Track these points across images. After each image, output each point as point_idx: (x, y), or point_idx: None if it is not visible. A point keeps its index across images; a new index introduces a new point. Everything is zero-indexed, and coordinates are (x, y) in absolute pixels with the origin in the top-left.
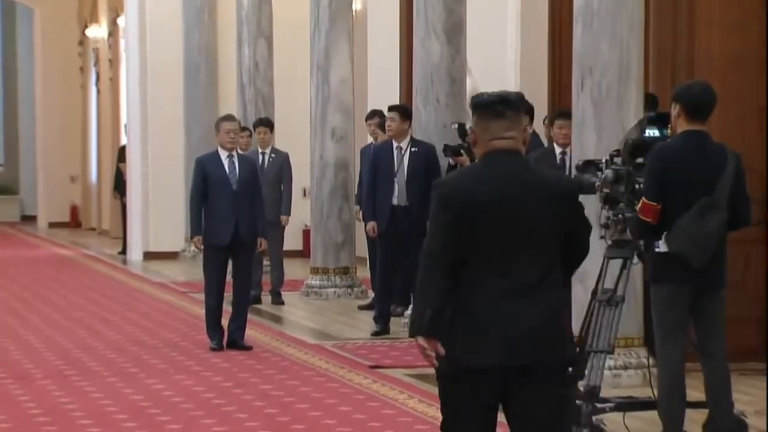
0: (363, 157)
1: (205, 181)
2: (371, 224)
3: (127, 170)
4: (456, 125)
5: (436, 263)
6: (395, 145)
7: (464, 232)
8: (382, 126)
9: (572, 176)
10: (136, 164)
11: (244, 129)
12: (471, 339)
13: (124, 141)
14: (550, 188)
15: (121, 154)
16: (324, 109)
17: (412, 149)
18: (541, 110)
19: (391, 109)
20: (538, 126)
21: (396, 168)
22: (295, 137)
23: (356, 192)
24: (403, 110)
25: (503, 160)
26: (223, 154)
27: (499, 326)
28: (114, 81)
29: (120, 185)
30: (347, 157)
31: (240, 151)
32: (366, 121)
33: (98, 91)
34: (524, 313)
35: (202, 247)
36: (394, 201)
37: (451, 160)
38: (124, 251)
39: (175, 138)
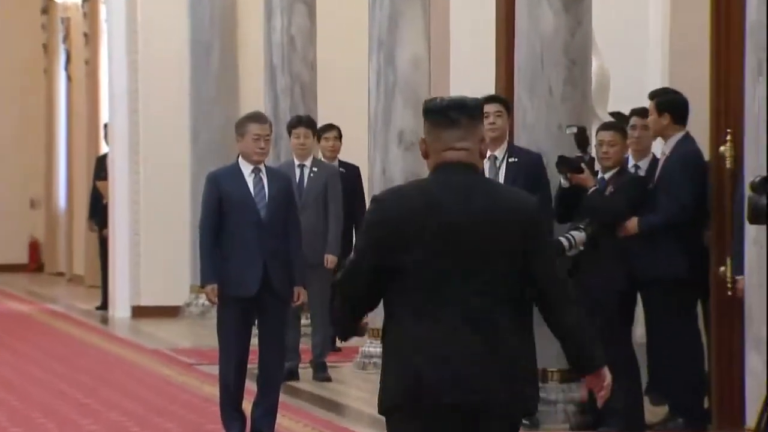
0: None
1: (221, 207)
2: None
3: (108, 190)
4: (574, 129)
5: (352, 297)
6: (488, 154)
7: (399, 258)
8: None
9: (747, 197)
10: (121, 182)
11: (309, 125)
12: (405, 375)
13: (105, 149)
14: (506, 208)
15: (100, 167)
16: (388, 104)
17: (510, 159)
18: (700, 104)
19: (491, 99)
20: (697, 131)
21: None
22: (346, 143)
23: None
24: (503, 102)
25: (454, 174)
26: (246, 168)
27: (440, 363)
28: (91, 64)
29: (98, 212)
30: (421, 171)
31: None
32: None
33: (69, 79)
34: (467, 348)
35: (217, 299)
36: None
37: (563, 179)
38: (104, 306)
39: (177, 145)
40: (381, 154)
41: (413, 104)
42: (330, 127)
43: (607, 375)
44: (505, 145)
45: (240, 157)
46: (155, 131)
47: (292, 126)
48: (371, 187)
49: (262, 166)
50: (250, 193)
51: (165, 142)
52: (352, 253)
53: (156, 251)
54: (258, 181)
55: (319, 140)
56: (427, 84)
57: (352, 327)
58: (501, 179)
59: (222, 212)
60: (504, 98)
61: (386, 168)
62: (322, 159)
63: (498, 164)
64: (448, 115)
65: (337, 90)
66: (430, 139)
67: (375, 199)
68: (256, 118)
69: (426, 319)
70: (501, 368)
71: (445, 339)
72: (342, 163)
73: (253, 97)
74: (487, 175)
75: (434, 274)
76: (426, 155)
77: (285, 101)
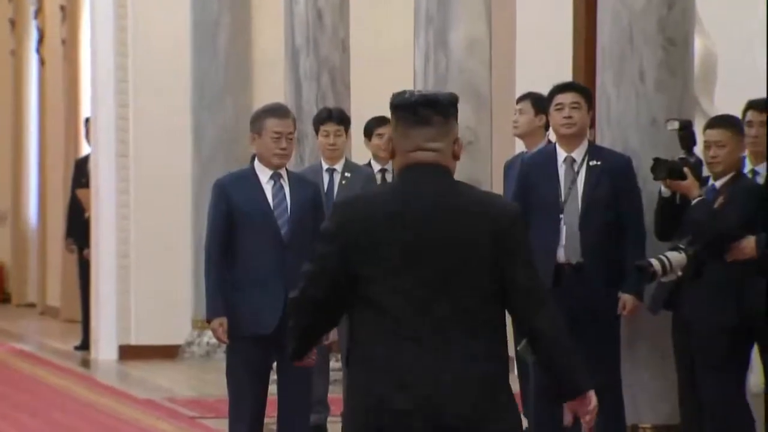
0: (507, 175)
1: (232, 223)
2: None
3: (90, 201)
4: (676, 124)
5: (303, 313)
6: (562, 155)
7: (362, 272)
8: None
9: None
10: (107, 191)
11: (340, 120)
12: (368, 403)
13: (86, 150)
14: (480, 218)
15: (81, 172)
16: None
17: (591, 163)
18: None
19: (566, 87)
20: None
21: (563, 196)
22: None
23: None
24: (581, 91)
25: (422, 179)
26: (264, 174)
27: (405, 390)
28: (70, 45)
29: (78, 228)
30: (481, 177)
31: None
32: (518, 103)
33: (41, 62)
34: (436, 375)
35: (226, 337)
36: (560, 256)
37: (663, 186)
38: (85, 345)
39: (176, 145)
40: None
41: (470, 95)
42: (383, 121)
43: (593, 398)
44: (584, 145)
45: (255, 159)
46: (149, 128)
47: (319, 121)
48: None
49: (283, 172)
50: (269, 205)
51: (161, 141)
52: (308, 264)
53: (150, 277)
54: (278, 190)
55: (370, 137)
56: (486, 71)
57: (307, 346)
58: (579, 187)
59: (233, 229)
60: (583, 86)
61: None
62: (373, 161)
63: (576, 168)
64: (417, 111)
65: (374, 77)
66: (397, 137)
67: (336, 205)
68: (276, 111)
69: (391, 343)
70: (474, 395)
71: (411, 364)
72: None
73: (271, 86)
74: (561, 181)
75: (398, 293)
76: (392, 155)
77: (310, 90)
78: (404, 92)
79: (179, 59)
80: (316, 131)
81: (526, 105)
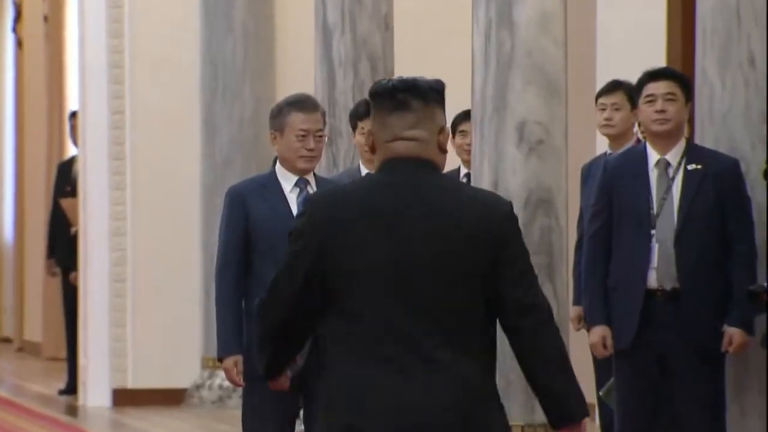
0: (586, 182)
1: (249, 240)
2: (599, 332)
3: (79, 214)
4: None
5: (274, 318)
6: (654, 157)
7: (329, 274)
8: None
9: None
10: (98, 200)
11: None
12: (333, 429)
13: (73, 151)
14: (469, 212)
15: (64, 177)
16: (502, 82)
17: (690, 166)
18: None
19: (659, 75)
20: None
21: (655, 207)
22: None
23: (574, 257)
24: (678, 79)
25: (402, 173)
26: (288, 181)
27: (382, 410)
28: (53, 22)
29: (62, 246)
30: (552, 183)
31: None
32: (604, 94)
33: (19, 44)
34: (419, 390)
35: (242, 379)
36: (652, 280)
37: None
38: (71, 389)
39: (183, 145)
40: (491, 156)
41: (540, 83)
42: (467, 115)
43: (586, 428)
44: (681, 145)
45: (277, 163)
46: (149, 124)
47: (357, 116)
48: None
49: (310, 178)
50: (293, 216)
51: (164, 140)
52: (278, 265)
53: (150, 306)
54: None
55: (454, 135)
56: (561, 52)
57: (279, 359)
58: (675, 197)
59: (249, 249)
60: (679, 74)
61: (500, 176)
62: (462, 165)
63: (671, 173)
64: (395, 97)
65: (424, 61)
66: (376, 128)
67: (308, 201)
68: (301, 104)
69: (364, 361)
70: (459, 424)
71: (385, 388)
72: None
73: (298, 73)
74: (653, 190)
75: (375, 303)
76: (373, 150)
77: (346, 78)
78: (382, 80)
79: (186, 40)
80: (353, 128)
81: (622, 98)
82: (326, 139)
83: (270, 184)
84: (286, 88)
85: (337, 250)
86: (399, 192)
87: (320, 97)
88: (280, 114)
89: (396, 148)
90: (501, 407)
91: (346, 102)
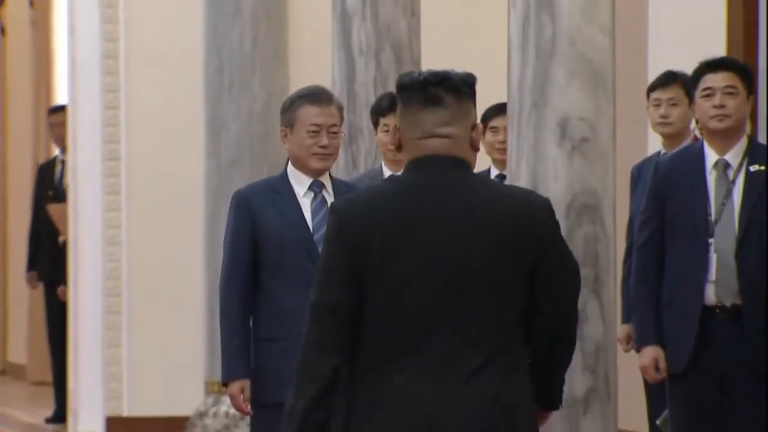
0: (637, 185)
1: (258, 251)
2: (651, 354)
3: (68, 221)
4: None
5: (322, 328)
6: (712, 158)
7: (364, 280)
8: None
9: None
10: (90, 206)
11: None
12: None
13: (57, 150)
14: (507, 212)
15: (45, 181)
16: (542, 74)
17: (752, 168)
18: None
19: (717, 65)
20: None
21: (713, 213)
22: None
23: (622, 270)
24: (739, 70)
25: (436, 169)
26: (300, 183)
27: (417, 424)
28: (39, 7)
29: (47, 257)
30: (598, 186)
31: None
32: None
33: (2, 31)
34: (456, 406)
35: (250, 406)
36: (709, 295)
37: None
38: (59, 417)
39: (185, 144)
40: (530, 157)
41: (585, 75)
42: (502, 110)
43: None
44: (743, 143)
45: (289, 164)
46: (147, 120)
47: (379, 111)
48: None
49: (326, 179)
50: (307, 226)
51: (164, 138)
52: (319, 267)
53: (149, 324)
54: (320, 205)
55: (484, 131)
56: (608, 40)
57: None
58: (735, 202)
59: (258, 259)
60: (741, 64)
61: (539, 179)
62: (492, 166)
63: (731, 176)
64: (427, 91)
65: (453, 50)
66: (405, 124)
67: (333, 208)
68: (314, 96)
69: (394, 375)
70: None
71: (424, 401)
72: None
73: (314, 63)
74: (711, 194)
75: (407, 312)
76: (399, 147)
77: (367, 68)
78: (411, 72)
79: (188, 26)
80: (375, 125)
81: (678, 92)
82: (342, 135)
83: (281, 187)
84: (300, 80)
85: (366, 257)
86: (431, 194)
87: (338, 90)
88: (290, 108)
89: (428, 145)
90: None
91: (367, 96)
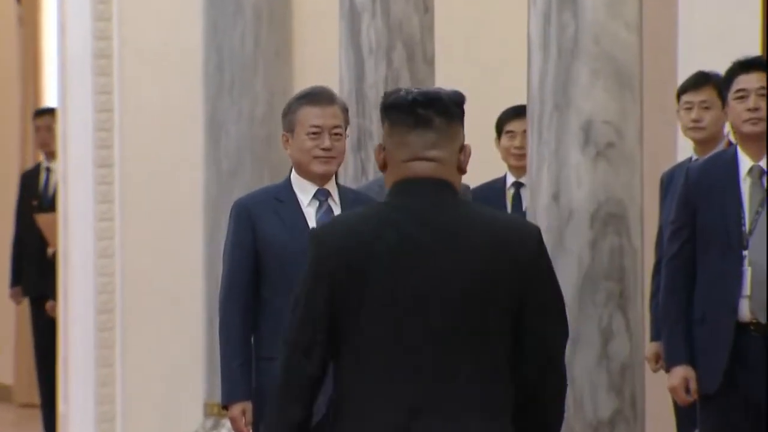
0: (666, 194)
1: (260, 264)
2: (681, 374)
3: (58, 232)
4: None
5: (297, 365)
6: (746, 164)
7: (342, 311)
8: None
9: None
10: (82, 216)
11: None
12: None
13: (42, 158)
14: (492, 240)
15: (29, 189)
16: (564, 74)
17: None
18: None
19: (751, 65)
20: None
21: (747, 223)
22: (486, 141)
23: (651, 284)
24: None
25: (421, 193)
26: (305, 192)
27: None
28: (27, 6)
29: (33, 271)
30: (625, 195)
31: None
32: (690, 90)
33: None
34: None
35: (252, 431)
36: (743, 311)
37: None
38: None
39: (183, 148)
40: (551, 163)
41: (610, 75)
42: (519, 113)
43: None
44: None
45: (292, 171)
46: (143, 125)
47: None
48: (535, 218)
49: (331, 187)
50: None
51: (160, 143)
52: (293, 301)
53: (144, 342)
54: (326, 215)
55: (500, 136)
56: (635, 38)
57: (304, 412)
58: None
59: (260, 273)
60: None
61: (561, 187)
62: (508, 172)
63: (766, 183)
64: (416, 112)
65: (469, 48)
66: (390, 145)
67: (311, 235)
68: (314, 96)
69: (374, 412)
70: None
71: None
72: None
73: (320, 63)
74: (745, 203)
75: (387, 352)
76: (383, 167)
77: (377, 68)
78: (398, 90)
79: (186, 24)
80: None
81: (711, 95)
82: (347, 138)
83: (284, 195)
84: (305, 81)
85: (344, 288)
86: (413, 220)
87: (346, 91)
88: (290, 111)
89: (414, 168)
90: None
91: (378, 97)
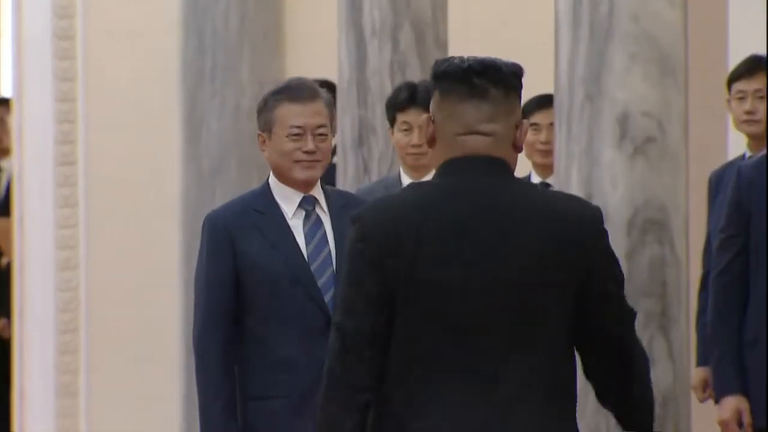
0: (716, 197)
1: (241, 289)
2: (733, 404)
3: (12, 238)
4: None
5: (352, 353)
6: None
7: (395, 299)
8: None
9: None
10: (40, 221)
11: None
12: None
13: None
14: (551, 224)
15: None
16: (596, 58)
17: None
18: None
19: None
20: None
21: None
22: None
23: (698, 301)
24: None
25: (474, 172)
26: (288, 201)
27: None
28: None
29: None
30: (666, 195)
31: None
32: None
33: None
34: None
35: None
36: None
37: None
38: None
39: (157, 145)
40: (582, 161)
41: (649, 60)
42: (545, 102)
43: None
44: None
45: (271, 177)
46: (111, 117)
47: (397, 106)
48: None
49: (318, 192)
50: (303, 256)
51: (131, 139)
52: (336, 313)
53: (111, 369)
54: (315, 226)
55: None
56: (679, 17)
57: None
58: None
59: (243, 302)
60: None
61: (594, 189)
62: (533, 171)
63: None
64: (471, 81)
65: (488, 28)
66: (441, 117)
67: (355, 218)
68: (293, 91)
69: (421, 409)
70: None
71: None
72: None
73: (316, 47)
74: None
75: (440, 335)
76: (432, 142)
77: (381, 52)
78: (452, 58)
79: (161, 1)
80: (391, 122)
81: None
82: (333, 137)
83: (263, 206)
84: (298, 67)
85: (392, 274)
86: (467, 201)
87: (346, 79)
88: (265, 108)
89: (467, 143)
90: None
91: (382, 86)
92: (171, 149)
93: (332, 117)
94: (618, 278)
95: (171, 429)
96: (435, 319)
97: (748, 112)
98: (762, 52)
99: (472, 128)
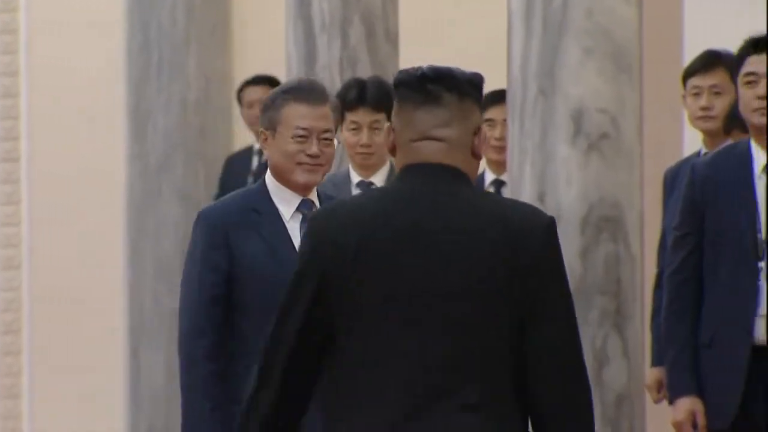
0: (671, 194)
1: (234, 290)
2: (687, 406)
3: None
4: None
5: (277, 354)
6: (761, 160)
7: (336, 304)
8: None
9: None
10: None
11: (379, 101)
12: None
13: None
14: (501, 234)
15: None
16: (549, 53)
17: None
18: None
19: (762, 45)
20: None
21: (763, 229)
22: None
23: (652, 300)
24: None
25: (427, 179)
26: (287, 203)
27: None
28: None
29: None
30: (621, 193)
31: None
32: (697, 73)
33: None
34: None
35: None
36: (758, 331)
37: None
38: None
39: (103, 138)
40: (535, 158)
41: (604, 56)
42: (498, 98)
43: None
44: None
45: (268, 176)
46: (54, 112)
47: (346, 104)
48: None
49: (314, 196)
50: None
51: (76, 134)
52: (277, 315)
53: (55, 371)
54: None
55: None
56: (634, 12)
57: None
58: None
59: (236, 303)
60: None
61: (547, 186)
62: (486, 169)
63: None
64: (424, 87)
65: (439, 22)
66: (399, 125)
67: (309, 220)
68: (303, 92)
69: (361, 411)
70: None
71: None
72: None
73: (263, 41)
74: (760, 204)
75: (382, 346)
76: (393, 150)
77: (331, 47)
78: (410, 68)
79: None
80: (340, 120)
81: (723, 78)
82: (336, 143)
83: (261, 206)
84: (245, 62)
85: (337, 281)
86: (417, 208)
87: (295, 74)
88: (272, 106)
89: (421, 149)
90: None
91: (332, 81)
92: (116, 146)
93: (337, 121)
94: (565, 297)
95: (116, 429)
96: (378, 324)
97: (704, 108)
98: (717, 47)
99: (426, 134)
